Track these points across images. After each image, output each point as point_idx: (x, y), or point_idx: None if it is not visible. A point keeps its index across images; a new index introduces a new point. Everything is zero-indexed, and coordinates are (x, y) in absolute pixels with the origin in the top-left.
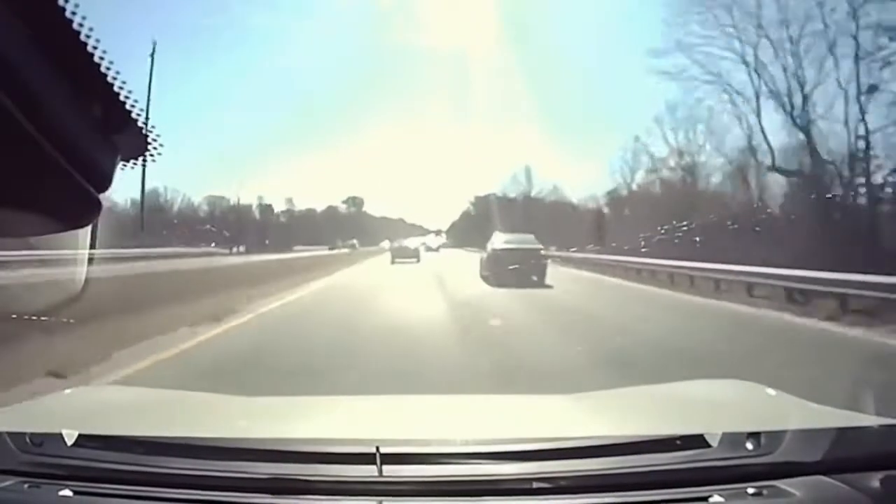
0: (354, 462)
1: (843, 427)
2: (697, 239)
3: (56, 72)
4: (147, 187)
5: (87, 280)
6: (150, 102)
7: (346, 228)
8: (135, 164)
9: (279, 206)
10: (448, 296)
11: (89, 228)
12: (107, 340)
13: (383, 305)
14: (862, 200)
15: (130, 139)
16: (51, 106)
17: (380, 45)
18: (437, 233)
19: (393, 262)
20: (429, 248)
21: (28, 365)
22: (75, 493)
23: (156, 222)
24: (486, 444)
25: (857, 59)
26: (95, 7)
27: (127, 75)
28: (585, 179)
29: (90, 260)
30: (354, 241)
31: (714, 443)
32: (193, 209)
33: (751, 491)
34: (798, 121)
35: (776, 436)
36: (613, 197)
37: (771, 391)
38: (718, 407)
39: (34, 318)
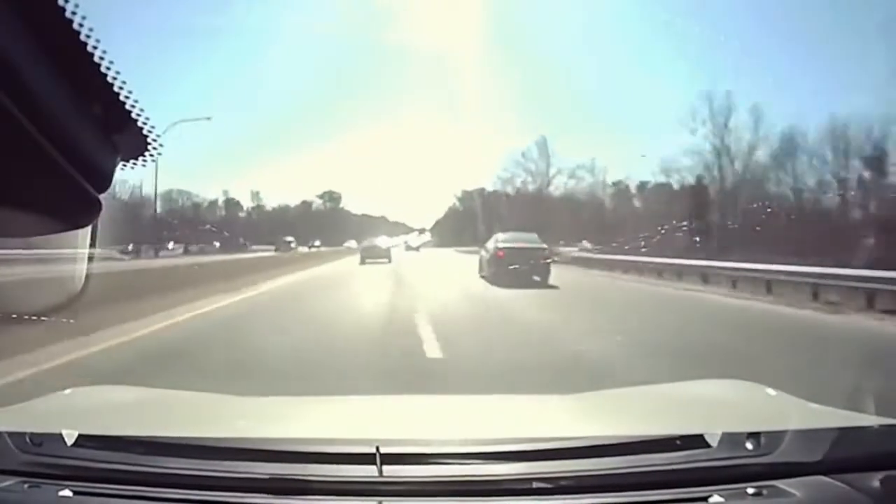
0: (354, 462)
1: (843, 427)
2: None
3: (56, 72)
4: None
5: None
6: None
7: (321, 226)
8: (135, 164)
9: (254, 203)
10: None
11: (89, 228)
12: None
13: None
14: None
15: (130, 139)
16: (51, 106)
17: (359, 38)
18: (422, 231)
19: (363, 263)
20: (409, 248)
21: None
22: (75, 493)
23: None
24: (487, 444)
25: None
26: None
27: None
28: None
29: (89, 258)
30: (290, 240)
31: (714, 443)
32: (141, 203)
33: (751, 491)
34: None
35: (776, 436)
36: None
37: (771, 391)
38: (718, 407)
39: (34, 318)
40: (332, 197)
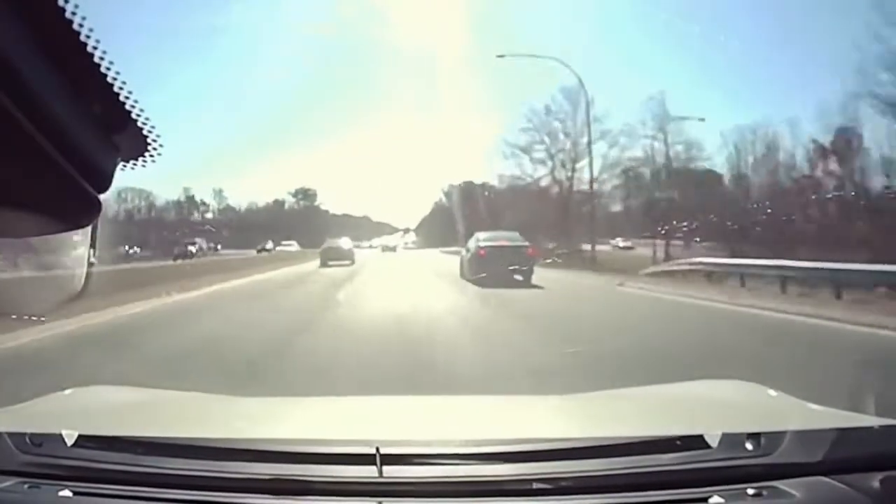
0: (354, 463)
1: (843, 428)
2: None
3: (56, 72)
4: None
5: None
6: None
7: (296, 227)
8: (135, 164)
9: (217, 202)
10: None
11: (89, 228)
12: None
13: None
14: None
15: (130, 139)
16: (51, 106)
17: (339, 35)
18: (406, 231)
19: (323, 266)
20: (386, 248)
21: None
22: (75, 493)
23: None
24: (487, 445)
25: None
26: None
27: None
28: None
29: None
30: (270, 247)
31: (714, 443)
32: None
33: (751, 492)
34: None
35: (776, 436)
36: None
37: (771, 392)
38: (718, 407)
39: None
40: (306, 194)
